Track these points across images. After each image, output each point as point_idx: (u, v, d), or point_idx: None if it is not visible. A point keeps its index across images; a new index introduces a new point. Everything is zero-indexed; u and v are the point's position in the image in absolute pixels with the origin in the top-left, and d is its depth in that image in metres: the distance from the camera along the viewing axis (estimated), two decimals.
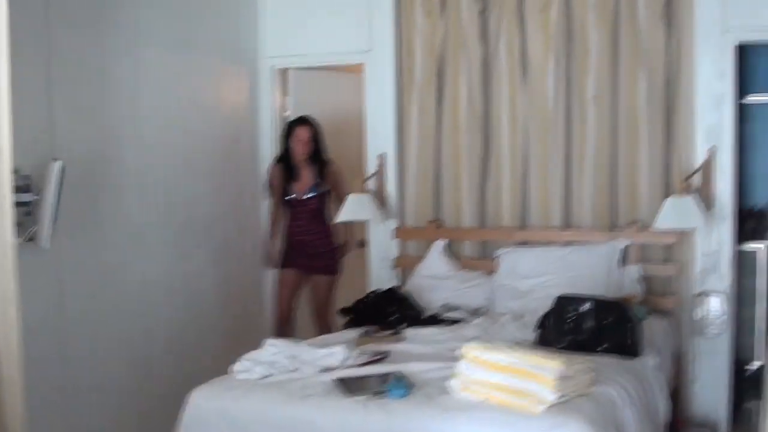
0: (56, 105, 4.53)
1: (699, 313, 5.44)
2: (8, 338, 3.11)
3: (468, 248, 6.02)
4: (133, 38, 5.18)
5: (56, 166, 4.12)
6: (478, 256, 5.98)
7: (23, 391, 3.15)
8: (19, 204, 3.78)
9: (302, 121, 6.12)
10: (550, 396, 3.30)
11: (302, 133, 6.05)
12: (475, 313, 5.27)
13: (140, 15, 5.23)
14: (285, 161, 6.15)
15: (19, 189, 3.79)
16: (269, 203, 6.31)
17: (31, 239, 4.10)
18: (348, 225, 6.21)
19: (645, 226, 5.48)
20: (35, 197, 4.09)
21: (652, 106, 5.53)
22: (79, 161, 4.60)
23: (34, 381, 3.45)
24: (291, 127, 6.13)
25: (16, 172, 3.30)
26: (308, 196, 6.08)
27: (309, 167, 6.11)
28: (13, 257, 3.11)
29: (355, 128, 6.43)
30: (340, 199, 6.05)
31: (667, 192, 5.43)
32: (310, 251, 6.13)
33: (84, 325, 4.73)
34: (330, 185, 6.17)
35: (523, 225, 5.87)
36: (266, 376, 3.90)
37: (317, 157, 6.12)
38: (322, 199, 6.15)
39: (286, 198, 6.11)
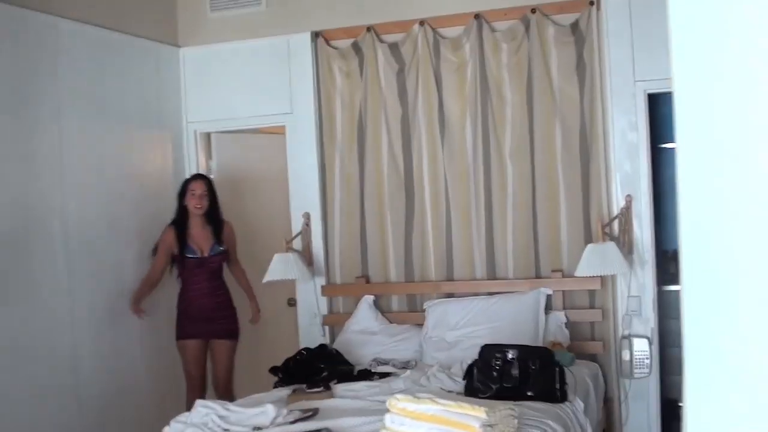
0: None
1: (625, 355, 5.54)
2: None
3: (396, 302, 6.09)
4: (57, 108, 5.23)
5: None
6: (405, 310, 6.04)
7: None
8: None
9: (197, 176, 5.99)
10: None
11: (197, 187, 5.83)
12: (405, 366, 5.29)
13: (63, 84, 5.29)
14: (180, 222, 5.86)
15: None
16: (151, 264, 5.90)
17: None
18: (249, 290, 6.11)
19: (568, 274, 5.59)
20: None
21: (569, 157, 5.68)
22: (4, 232, 4.61)
23: None
24: (185, 183, 5.93)
25: None
26: (212, 254, 5.85)
27: (206, 226, 5.89)
28: None
29: (280, 188, 6.46)
30: (233, 261, 6.05)
31: (588, 240, 5.54)
32: (210, 315, 5.84)
33: (11, 396, 4.71)
34: (227, 245, 5.96)
35: (448, 277, 5.95)
36: None
37: (213, 215, 5.91)
38: (223, 258, 5.94)
39: (188, 257, 5.78)
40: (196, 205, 5.81)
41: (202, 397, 5.57)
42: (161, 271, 5.88)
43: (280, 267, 5.83)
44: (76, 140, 5.40)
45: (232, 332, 5.95)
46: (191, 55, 6.58)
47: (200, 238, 5.85)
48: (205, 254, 5.84)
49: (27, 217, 4.98)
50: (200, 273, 5.85)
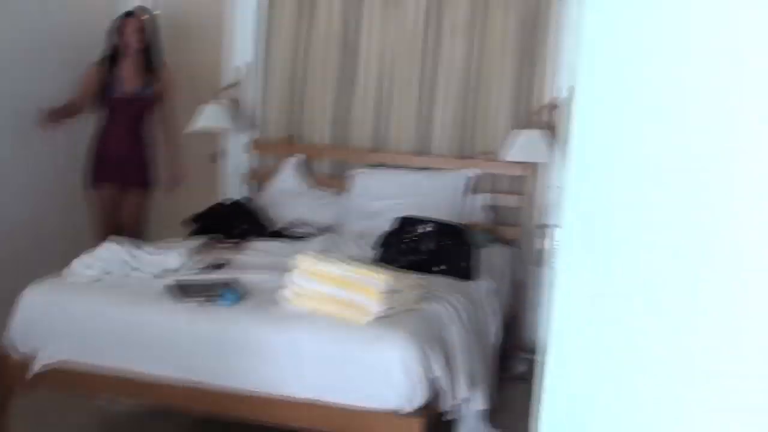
0: None
1: (541, 244, 5.56)
2: None
3: (323, 166, 6.04)
4: None
5: None
6: (332, 174, 6.01)
7: None
8: None
9: (129, 13, 5.55)
10: (376, 308, 3.37)
11: (129, 24, 5.42)
12: (324, 230, 5.29)
13: None
14: (109, 62, 5.45)
15: None
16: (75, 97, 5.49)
17: None
18: (175, 148, 5.76)
19: (497, 156, 5.58)
20: None
21: (517, 43, 5.61)
22: None
23: None
24: (118, 21, 5.49)
25: None
26: (135, 95, 5.46)
27: (139, 67, 5.49)
28: None
29: (219, 38, 6.29)
30: (168, 109, 5.68)
31: (522, 126, 5.53)
32: (125, 162, 5.50)
33: None
34: (160, 90, 5.59)
35: (379, 144, 5.92)
36: (101, 278, 3.86)
37: (150, 56, 5.53)
38: (148, 103, 5.54)
39: (110, 96, 5.42)
40: (126, 42, 5.46)
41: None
42: (82, 100, 5.49)
43: (211, 116, 5.73)
44: None
45: (145, 181, 5.64)
46: None
47: (129, 78, 5.49)
48: (129, 96, 5.48)
49: None
50: (119, 116, 5.50)
